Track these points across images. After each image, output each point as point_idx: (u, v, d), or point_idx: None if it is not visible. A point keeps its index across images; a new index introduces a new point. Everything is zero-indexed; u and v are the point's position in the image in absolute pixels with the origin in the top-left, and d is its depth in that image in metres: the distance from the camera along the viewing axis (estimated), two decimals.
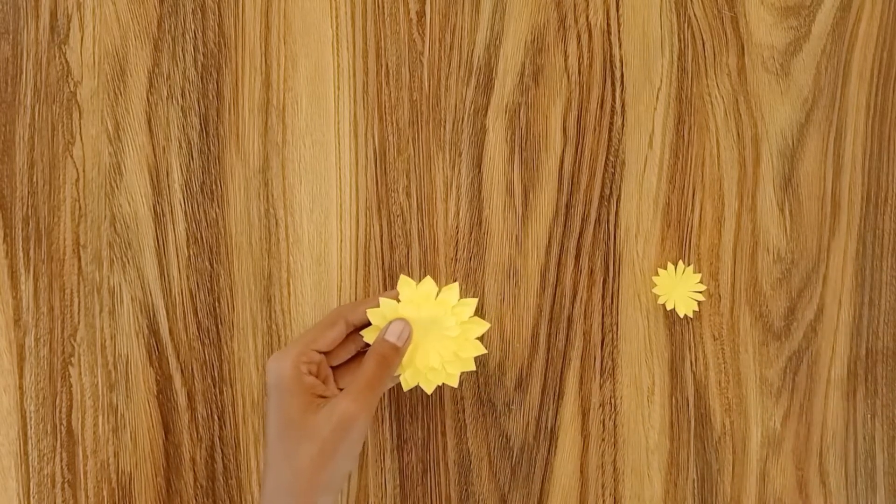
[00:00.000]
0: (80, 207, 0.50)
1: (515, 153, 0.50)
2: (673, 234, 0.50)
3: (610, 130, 0.50)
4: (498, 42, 0.49)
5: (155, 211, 0.50)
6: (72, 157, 0.50)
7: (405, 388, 0.46)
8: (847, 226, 0.50)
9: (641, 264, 0.50)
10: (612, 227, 0.50)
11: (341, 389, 0.44)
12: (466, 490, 0.51)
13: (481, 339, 0.46)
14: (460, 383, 0.50)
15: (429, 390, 0.46)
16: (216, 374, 0.50)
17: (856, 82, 0.50)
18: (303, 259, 0.50)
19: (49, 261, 0.50)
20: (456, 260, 0.50)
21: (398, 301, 0.46)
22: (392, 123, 0.50)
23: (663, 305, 0.50)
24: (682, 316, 0.49)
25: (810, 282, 0.50)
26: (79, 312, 0.50)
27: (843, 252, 0.50)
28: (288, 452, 0.41)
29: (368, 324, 0.46)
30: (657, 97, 0.50)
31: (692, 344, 0.50)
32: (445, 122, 0.50)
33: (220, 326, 0.50)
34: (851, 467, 0.51)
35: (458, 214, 0.50)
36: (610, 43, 0.49)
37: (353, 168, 0.50)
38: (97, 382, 0.50)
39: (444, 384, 0.46)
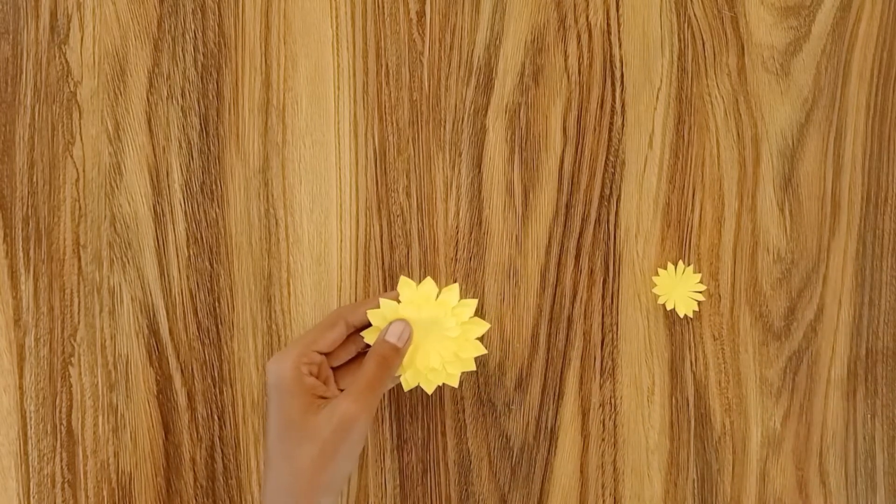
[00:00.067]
0: (80, 207, 0.50)
1: (515, 153, 0.50)
2: (673, 234, 0.50)
3: (610, 130, 0.50)
4: (498, 42, 0.49)
5: (155, 211, 0.50)
6: (72, 157, 0.50)
7: (406, 388, 0.46)
8: (847, 226, 0.50)
9: (641, 264, 0.50)
10: (612, 227, 0.50)
11: (342, 390, 0.44)
12: (466, 490, 0.51)
13: (481, 339, 0.46)
14: (460, 383, 0.50)
15: (429, 391, 0.46)
16: (216, 374, 0.50)
17: (856, 82, 0.50)
18: (303, 259, 0.50)
19: (49, 261, 0.50)
20: (456, 260, 0.50)
21: (398, 302, 0.46)
22: (392, 123, 0.50)
23: (663, 305, 0.50)
24: (682, 316, 0.49)
25: (810, 282, 0.50)
26: (79, 312, 0.50)
27: (843, 252, 0.50)
28: (288, 453, 0.41)
29: (369, 325, 0.46)
30: (657, 97, 0.50)
31: (692, 344, 0.50)
32: (445, 122, 0.50)
33: (220, 326, 0.50)
34: (851, 467, 0.51)
35: (458, 214, 0.50)
36: (610, 43, 0.49)
37: (353, 168, 0.50)
38: (97, 382, 0.50)
39: (444, 384, 0.46)
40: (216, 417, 0.50)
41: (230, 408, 0.50)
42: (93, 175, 0.50)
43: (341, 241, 0.50)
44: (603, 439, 0.51)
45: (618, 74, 0.50)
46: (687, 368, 0.51)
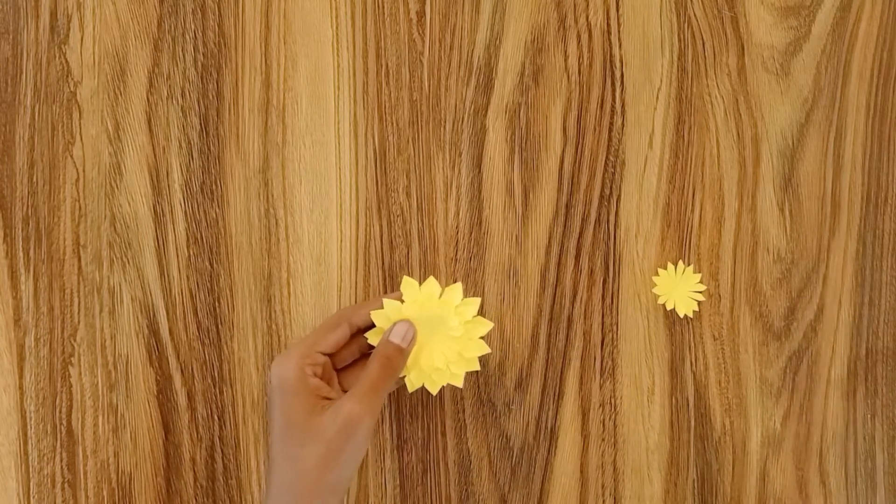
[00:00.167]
0: (80, 207, 0.50)
1: (515, 153, 0.50)
2: (673, 234, 0.50)
3: (610, 130, 0.50)
4: (498, 42, 0.49)
5: (155, 211, 0.50)
6: (72, 157, 0.50)
7: (410, 389, 0.46)
8: (847, 226, 0.50)
9: (641, 264, 0.50)
10: (612, 227, 0.50)
11: (346, 392, 0.44)
12: (466, 490, 0.51)
13: (484, 338, 0.46)
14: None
15: (434, 391, 0.46)
16: (216, 374, 0.50)
17: (856, 82, 0.50)
18: (303, 259, 0.50)
19: (49, 261, 0.50)
20: (456, 260, 0.50)
21: (402, 302, 0.46)
22: (392, 123, 0.50)
23: (663, 305, 0.50)
24: (682, 316, 0.49)
25: (810, 282, 0.50)
26: (79, 312, 0.50)
27: (843, 252, 0.50)
28: (293, 455, 0.41)
29: (372, 325, 0.46)
30: (657, 97, 0.50)
31: (692, 344, 0.50)
32: (445, 122, 0.50)
33: (220, 326, 0.50)
34: (851, 467, 0.51)
35: (458, 214, 0.50)
36: (610, 43, 0.49)
37: (353, 168, 0.50)
38: (97, 382, 0.50)
39: (448, 384, 0.46)
40: (216, 417, 0.50)
41: (230, 408, 0.50)
42: (93, 175, 0.50)
43: (341, 241, 0.50)
44: (603, 439, 0.51)
45: (618, 74, 0.50)
46: (687, 368, 0.51)
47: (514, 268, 0.50)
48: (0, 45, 0.50)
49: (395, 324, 0.45)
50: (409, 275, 0.50)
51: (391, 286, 0.50)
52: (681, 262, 0.50)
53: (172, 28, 0.50)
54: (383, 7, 0.49)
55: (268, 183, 0.50)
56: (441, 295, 0.46)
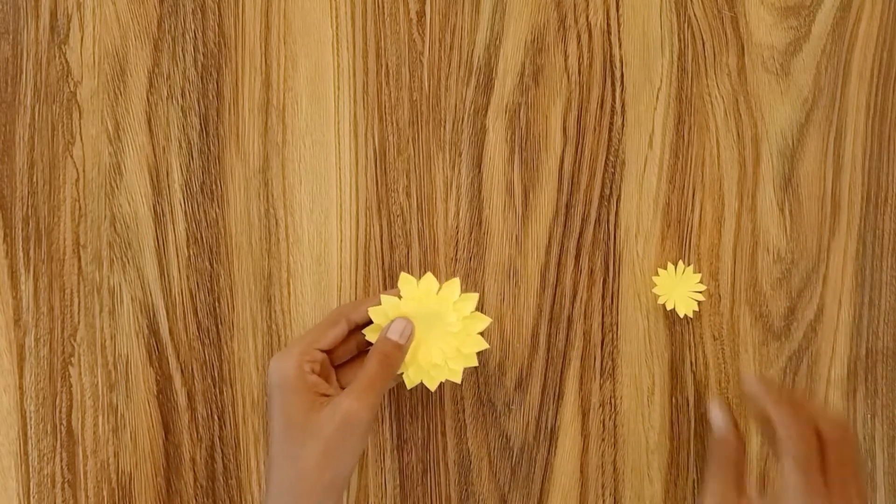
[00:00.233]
0: (80, 207, 0.50)
1: (515, 153, 0.50)
2: (673, 234, 0.50)
3: (610, 130, 0.50)
4: (498, 42, 0.49)
5: (155, 211, 0.50)
6: (72, 157, 0.50)
7: (409, 385, 0.46)
8: (847, 226, 0.50)
9: (641, 264, 0.50)
10: (612, 227, 0.50)
11: (344, 389, 0.44)
12: (466, 490, 0.51)
13: (482, 334, 0.46)
14: (461, 382, 0.50)
15: (432, 387, 0.46)
16: (216, 374, 0.50)
17: (856, 82, 0.50)
18: (303, 259, 0.50)
19: (49, 261, 0.50)
20: (456, 260, 0.50)
21: (399, 298, 0.46)
22: (392, 123, 0.50)
23: (663, 305, 0.50)
24: (682, 316, 0.49)
25: (810, 282, 0.50)
26: (79, 312, 0.50)
27: (843, 252, 0.50)
28: (292, 452, 0.41)
29: (370, 322, 0.46)
30: (657, 97, 0.50)
31: (692, 344, 0.50)
32: (445, 122, 0.50)
33: (220, 326, 0.50)
34: None
35: (458, 214, 0.50)
36: (610, 43, 0.49)
37: (353, 168, 0.50)
38: (97, 382, 0.50)
39: (446, 380, 0.46)
40: (216, 417, 0.50)
41: (230, 408, 0.50)
42: (93, 175, 0.50)
43: (341, 241, 0.50)
44: (603, 439, 0.51)
45: (618, 74, 0.50)
46: (687, 368, 0.51)
47: (514, 268, 0.50)
48: (0, 45, 0.50)
49: (393, 321, 0.45)
50: (409, 274, 0.50)
51: (391, 286, 0.50)
52: (681, 262, 0.50)
53: (172, 28, 0.50)
54: (383, 7, 0.49)
55: (268, 183, 0.50)
56: (439, 291, 0.46)
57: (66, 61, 0.50)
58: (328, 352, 0.45)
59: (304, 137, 0.50)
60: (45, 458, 0.50)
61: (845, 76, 0.50)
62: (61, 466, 0.50)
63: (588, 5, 0.49)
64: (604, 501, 0.51)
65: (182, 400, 0.50)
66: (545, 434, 0.50)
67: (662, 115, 0.50)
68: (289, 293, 0.50)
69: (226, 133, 0.50)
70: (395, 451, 0.51)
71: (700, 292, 0.50)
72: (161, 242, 0.50)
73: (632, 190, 0.50)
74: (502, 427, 0.51)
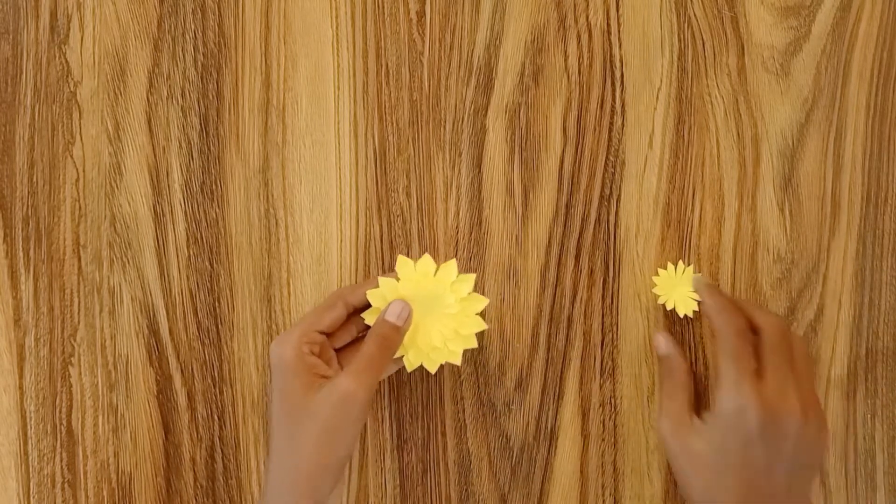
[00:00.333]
0: (80, 207, 0.50)
1: (515, 153, 0.50)
2: (673, 234, 0.50)
3: (610, 130, 0.50)
4: (498, 42, 0.49)
5: (155, 211, 0.50)
6: (72, 157, 0.50)
7: (409, 368, 0.46)
8: (847, 226, 0.50)
9: (641, 264, 0.50)
10: (612, 227, 0.50)
11: None
12: (466, 490, 0.51)
13: (482, 314, 0.46)
14: (460, 382, 0.50)
15: (432, 370, 0.46)
16: (216, 374, 0.50)
17: (856, 82, 0.50)
18: (303, 259, 0.50)
19: (49, 261, 0.50)
20: (456, 260, 0.50)
21: (397, 281, 0.46)
22: (392, 123, 0.50)
23: (663, 305, 0.50)
24: (681, 316, 0.49)
25: (810, 282, 0.50)
26: (79, 312, 0.50)
27: (843, 252, 0.50)
28: (290, 432, 0.41)
29: (368, 305, 0.46)
30: (657, 97, 0.50)
31: (692, 344, 0.50)
32: (445, 122, 0.50)
33: (220, 326, 0.50)
34: (851, 467, 0.51)
35: (458, 214, 0.50)
36: (610, 43, 0.49)
37: (353, 168, 0.50)
38: (97, 382, 0.50)
39: (447, 363, 0.46)
40: (216, 417, 0.50)
41: (230, 408, 0.50)
42: (93, 175, 0.50)
43: (341, 241, 0.50)
44: (603, 439, 0.51)
45: (618, 74, 0.50)
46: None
47: (514, 268, 0.50)
48: (0, 45, 0.50)
49: (390, 303, 0.45)
50: (406, 257, 0.50)
51: None
52: (681, 262, 0.50)
53: (172, 28, 0.50)
54: (383, 7, 0.49)
55: (268, 183, 0.50)
56: (436, 272, 0.46)
57: (66, 61, 0.50)
58: (328, 335, 0.45)
59: (304, 137, 0.50)
60: (45, 458, 0.50)
61: (845, 76, 0.50)
62: (61, 466, 0.50)
63: (588, 5, 0.49)
64: (604, 501, 0.51)
65: (182, 400, 0.50)
66: (545, 434, 0.51)
67: (662, 115, 0.50)
68: (289, 293, 0.50)
69: (226, 133, 0.50)
70: (395, 451, 0.51)
71: None
72: (161, 242, 0.50)
73: (632, 190, 0.50)
74: (502, 427, 0.51)
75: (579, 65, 0.50)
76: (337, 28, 0.50)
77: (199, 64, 0.50)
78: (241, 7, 0.49)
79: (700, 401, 0.50)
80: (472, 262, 0.50)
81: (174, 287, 0.50)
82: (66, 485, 0.50)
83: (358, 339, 0.47)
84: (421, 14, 0.49)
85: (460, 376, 0.50)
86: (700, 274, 0.49)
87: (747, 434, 0.41)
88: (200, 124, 0.50)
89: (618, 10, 0.49)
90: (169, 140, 0.50)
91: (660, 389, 0.48)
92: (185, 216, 0.50)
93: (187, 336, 0.50)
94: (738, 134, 0.50)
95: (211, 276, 0.50)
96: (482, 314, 0.46)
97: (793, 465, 0.42)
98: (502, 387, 0.50)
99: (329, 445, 0.41)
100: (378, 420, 0.51)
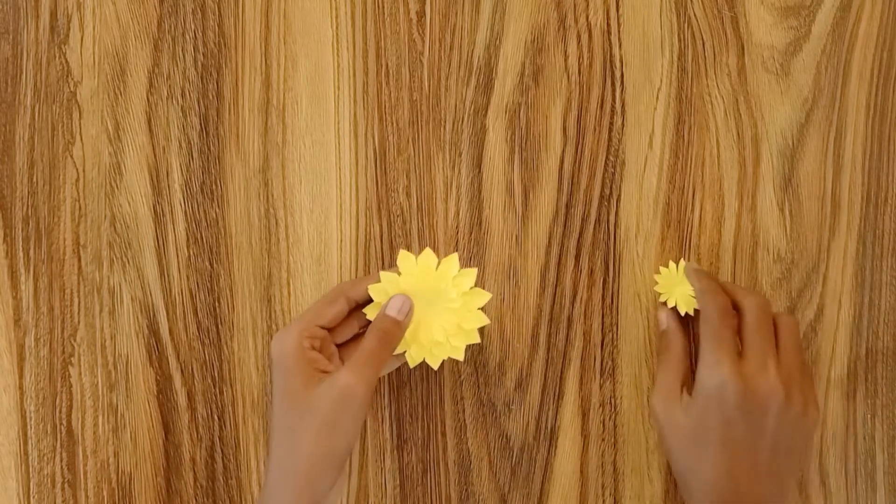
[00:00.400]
0: (80, 207, 0.50)
1: (515, 153, 0.50)
2: (673, 234, 0.50)
3: (610, 130, 0.50)
4: (498, 42, 0.49)
5: (155, 211, 0.50)
6: (72, 157, 0.50)
7: (412, 364, 0.45)
8: (847, 226, 0.50)
9: (641, 264, 0.50)
10: (612, 227, 0.50)
11: None
12: (466, 490, 0.51)
13: (483, 309, 0.46)
14: (460, 382, 0.50)
15: (435, 365, 0.46)
16: (216, 374, 0.50)
17: (856, 82, 0.50)
18: (303, 259, 0.50)
19: (49, 261, 0.50)
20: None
21: (399, 275, 0.46)
22: (392, 123, 0.50)
23: (664, 304, 0.50)
24: (682, 314, 0.49)
25: (810, 282, 0.50)
26: (79, 312, 0.50)
27: (843, 252, 0.50)
28: (291, 428, 0.41)
29: (370, 301, 0.46)
30: (657, 97, 0.50)
31: (692, 343, 0.50)
32: (445, 122, 0.50)
33: (220, 326, 0.50)
34: (851, 467, 0.51)
35: (458, 214, 0.50)
36: (610, 43, 0.49)
37: (353, 168, 0.50)
38: (97, 382, 0.50)
39: (449, 359, 0.46)
40: (216, 417, 0.50)
41: (230, 408, 0.50)
42: (93, 175, 0.50)
43: (341, 241, 0.50)
44: (603, 439, 0.51)
45: (618, 74, 0.50)
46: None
47: (514, 268, 0.50)
48: (0, 45, 0.50)
49: (391, 297, 0.45)
50: (407, 251, 0.50)
51: None
52: (682, 261, 0.50)
53: (172, 28, 0.50)
54: (383, 7, 0.49)
55: (268, 183, 0.50)
56: (438, 266, 0.46)
57: (66, 61, 0.50)
58: (330, 330, 0.45)
59: (304, 137, 0.50)
60: (45, 458, 0.50)
61: (845, 76, 0.50)
62: (61, 466, 0.50)
63: (588, 5, 0.49)
64: (604, 501, 0.51)
65: (182, 400, 0.50)
66: (545, 434, 0.51)
67: (662, 115, 0.50)
68: (289, 293, 0.50)
69: (226, 133, 0.50)
70: (395, 451, 0.51)
71: None
72: (161, 242, 0.50)
73: (632, 190, 0.50)
74: (502, 427, 0.51)
75: (579, 65, 0.50)
76: (337, 28, 0.50)
77: (199, 64, 0.50)
78: (241, 7, 0.49)
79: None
80: (472, 262, 0.50)
81: (174, 287, 0.50)
82: (66, 485, 0.50)
83: (360, 335, 0.47)
84: (421, 14, 0.49)
85: (460, 376, 0.50)
86: (692, 262, 0.49)
87: (727, 411, 0.42)
88: (200, 124, 0.50)
89: (618, 10, 0.49)
90: (169, 140, 0.50)
91: (657, 364, 0.49)
92: (185, 216, 0.50)
93: (187, 336, 0.50)
94: (738, 134, 0.50)
95: (211, 276, 0.50)
96: (484, 309, 0.46)
97: (775, 443, 0.42)
98: (502, 387, 0.50)
99: (329, 440, 0.41)
100: (378, 420, 0.51)
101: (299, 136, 0.50)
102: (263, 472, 0.50)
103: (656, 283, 0.50)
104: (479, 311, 0.46)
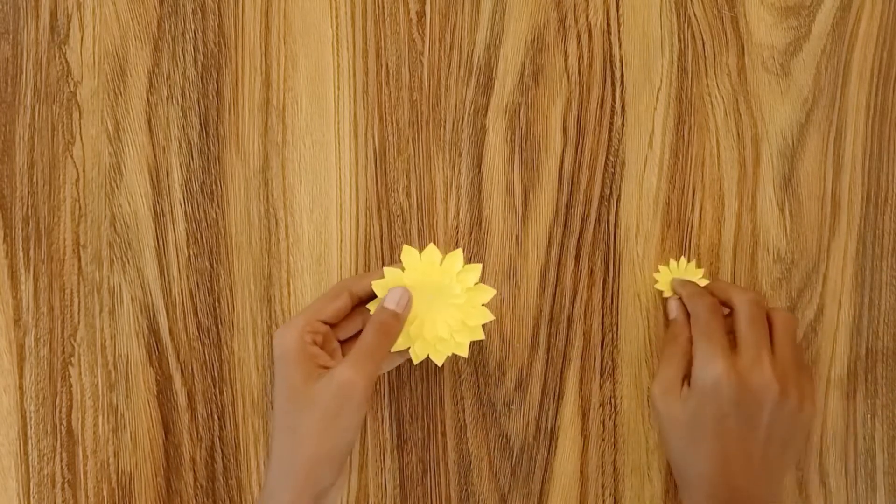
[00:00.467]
0: (80, 207, 0.50)
1: (515, 153, 0.50)
2: (673, 234, 0.50)
3: (610, 130, 0.50)
4: (498, 42, 0.49)
5: (155, 211, 0.50)
6: (72, 157, 0.50)
7: (416, 361, 0.45)
8: (847, 226, 0.50)
9: (641, 264, 0.50)
10: (612, 227, 0.50)
11: None
12: (466, 490, 0.51)
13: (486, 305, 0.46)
14: (460, 382, 0.50)
15: (439, 362, 0.45)
16: (216, 374, 0.50)
17: (856, 82, 0.50)
18: (303, 259, 0.50)
19: (49, 261, 0.50)
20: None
21: (402, 270, 0.45)
22: (392, 123, 0.50)
23: (664, 305, 0.50)
24: None
25: (810, 282, 0.50)
26: (79, 312, 0.50)
27: (843, 252, 0.50)
28: (291, 422, 0.41)
29: (374, 296, 0.45)
30: (657, 97, 0.50)
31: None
32: (445, 122, 0.50)
33: (220, 326, 0.50)
34: (851, 467, 0.51)
35: (458, 214, 0.50)
36: (610, 43, 0.49)
37: (353, 168, 0.50)
38: (97, 382, 0.50)
39: (453, 355, 0.46)
40: (216, 417, 0.50)
41: (230, 408, 0.50)
42: (93, 175, 0.50)
43: (341, 241, 0.50)
44: (603, 439, 0.51)
45: (618, 74, 0.50)
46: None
47: (514, 268, 0.50)
48: (0, 45, 0.50)
49: (389, 290, 0.45)
50: (411, 247, 0.50)
51: None
52: (683, 258, 0.50)
53: (172, 28, 0.50)
54: (383, 7, 0.49)
55: (268, 183, 0.50)
56: (442, 262, 0.46)
57: (66, 61, 0.50)
58: (333, 326, 0.45)
59: (304, 137, 0.50)
60: (45, 458, 0.50)
61: (845, 76, 0.50)
62: (61, 466, 0.50)
63: (588, 5, 0.49)
64: (604, 501, 0.51)
65: (182, 400, 0.50)
66: (545, 434, 0.51)
67: (662, 115, 0.50)
68: (289, 293, 0.50)
69: (226, 133, 0.50)
70: (395, 451, 0.51)
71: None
72: (161, 242, 0.50)
73: (632, 190, 0.50)
74: (502, 427, 0.51)
75: (579, 65, 0.50)
76: (337, 28, 0.50)
77: (199, 64, 0.50)
78: (241, 7, 0.49)
79: None
80: (472, 261, 0.50)
81: (174, 287, 0.50)
82: (66, 485, 0.50)
83: (363, 331, 0.47)
84: (421, 14, 0.49)
85: (460, 376, 0.50)
86: (678, 276, 0.50)
87: (722, 405, 0.43)
88: (200, 124, 0.50)
89: (618, 10, 0.49)
90: (169, 140, 0.50)
91: (661, 354, 0.49)
92: (185, 216, 0.50)
93: (187, 336, 0.50)
94: (738, 134, 0.50)
95: (211, 276, 0.50)
96: (487, 306, 0.46)
97: (770, 437, 0.43)
98: (502, 387, 0.50)
99: (329, 435, 0.41)
100: (378, 420, 0.51)
101: (299, 136, 0.50)
102: (264, 471, 0.50)
103: (656, 281, 0.50)
104: (484, 307, 0.46)
